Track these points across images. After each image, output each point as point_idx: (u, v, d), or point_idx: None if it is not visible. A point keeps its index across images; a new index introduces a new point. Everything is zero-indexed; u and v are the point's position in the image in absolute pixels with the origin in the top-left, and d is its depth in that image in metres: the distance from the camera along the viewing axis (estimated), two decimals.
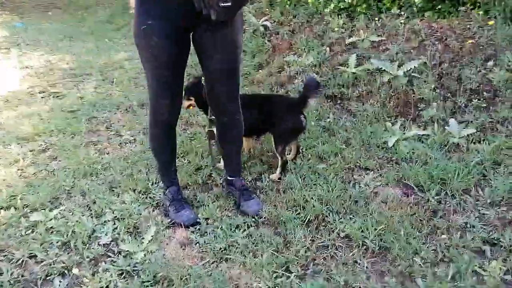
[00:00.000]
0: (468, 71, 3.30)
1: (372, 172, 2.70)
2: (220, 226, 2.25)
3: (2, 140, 3.47)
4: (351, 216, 2.28)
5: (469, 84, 3.24)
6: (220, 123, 2.38)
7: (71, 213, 2.45)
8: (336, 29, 4.59)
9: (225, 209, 2.41)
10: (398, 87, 3.53)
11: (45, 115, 4.03)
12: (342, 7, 4.78)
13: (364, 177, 2.65)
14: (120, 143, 3.40)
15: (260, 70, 4.78)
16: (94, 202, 2.56)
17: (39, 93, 4.76)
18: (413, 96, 3.43)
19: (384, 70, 3.71)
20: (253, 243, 2.11)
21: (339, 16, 4.73)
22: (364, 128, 3.25)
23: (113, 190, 2.69)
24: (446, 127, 2.95)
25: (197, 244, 2.16)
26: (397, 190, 2.51)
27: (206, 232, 2.23)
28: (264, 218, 2.30)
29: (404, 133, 3.05)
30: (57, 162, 3.12)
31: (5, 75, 5.31)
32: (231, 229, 2.22)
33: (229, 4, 1.73)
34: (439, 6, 4.17)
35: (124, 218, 2.38)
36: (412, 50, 3.82)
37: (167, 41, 1.95)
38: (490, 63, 3.28)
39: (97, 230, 2.28)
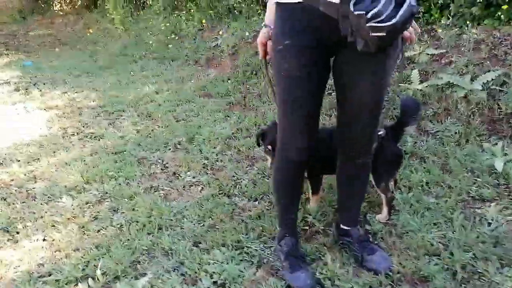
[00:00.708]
0: None
1: (494, 204, 2.36)
2: None
3: (51, 192, 3.13)
4: (502, 263, 1.93)
5: None
6: (345, 169, 2.02)
7: (160, 280, 2.09)
8: None
9: (345, 264, 2.06)
10: (479, 102, 3.23)
11: (88, 159, 3.70)
12: None
13: (487, 210, 2.31)
14: (184, 187, 3.06)
15: None
16: (182, 263, 2.21)
17: (73, 135, 4.45)
18: (500, 111, 3.13)
19: (456, 84, 3.44)
20: None
21: None
22: (454, 150, 2.94)
23: (198, 246, 2.34)
24: None
25: None
26: None
27: None
28: (399, 274, 1.94)
29: (506, 154, 2.73)
30: (120, 215, 2.78)
31: (32, 117, 5.00)
32: None
33: (383, 34, 1.38)
34: (499, 13, 3.93)
35: (226, 283, 2.02)
36: (482, 61, 3.55)
37: (305, 64, 1.67)
38: None
39: None
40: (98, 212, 2.84)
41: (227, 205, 2.69)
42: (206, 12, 7.18)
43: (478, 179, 2.59)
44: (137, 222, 2.64)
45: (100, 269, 2.16)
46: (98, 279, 2.13)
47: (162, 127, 4.32)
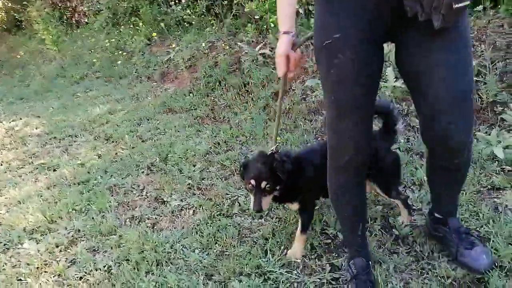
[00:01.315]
0: None
1: (509, 191, 2.31)
2: None
3: (7, 238, 2.59)
4: None
5: None
6: (442, 166, 1.69)
7: None
8: None
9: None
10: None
11: (46, 194, 3.17)
12: None
13: (506, 199, 2.24)
14: (172, 212, 2.68)
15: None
16: None
17: (20, 168, 3.84)
18: (481, 101, 3.17)
19: None
20: None
21: None
22: None
23: (211, 279, 2.00)
24: None
25: None
26: None
27: None
28: (450, 278, 1.76)
29: (499, 141, 2.73)
30: (103, 255, 2.34)
31: None
32: None
33: (467, 3, 1.21)
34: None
35: None
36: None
37: (356, 59, 1.43)
38: None
39: None
40: (74, 255, 2.37)
41: (231, 227, 2.38)
42: (154, 26, 6.79)
43: (484, 169, 2.55)
44: (127, 260, 2.23)
45: None
46: None
47: (127, 149, 3.87)
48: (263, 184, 1.85)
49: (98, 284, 2.07)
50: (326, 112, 1.61)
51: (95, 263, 2.25)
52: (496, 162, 2.59)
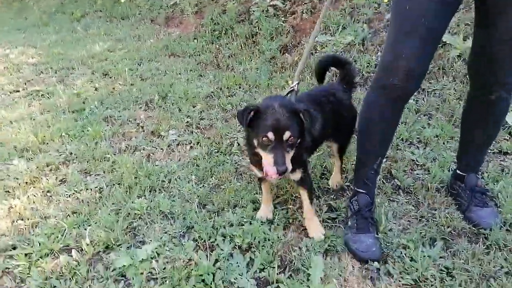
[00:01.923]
0: None
1: None
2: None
3: None
4: None
5: None
6: (480, 102, 1.70)
7: (167, 248, 1.68)
8: (364, 3, 4.13)
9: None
10: None
11: (40, 118, 3.06)
12: None
13: (511, 162, 2.20)
14: (169, 146, 2.60)
15: (285, 54, 4.17)
16: (191, 228, 1.81)
17: (14, 92, 3.71)
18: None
19: (449, 44, 3.34)
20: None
21: None
22: (457, 107, 2.82)
23: (205, 208, 1.95)
24: None
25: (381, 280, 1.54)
26: None
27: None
28: (449, 227, 1.73)
29: (510, 110, 2.67)
30: (95, 177, 2.27)
31: None
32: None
33: None
34: None
35: (251, 247, 1.68)
36: (473, 21, 3.48)
37: None
38: None
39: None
40: (65, 175, 2.30)
41: (228, 164, 2.31)
42: None
43: None
44: (119, 184, 2.16)
45: (80, 238, 1.70)
46: (84, 250, 1.66)
47: (125, 85, 3.74)
48: (286, 135, 1.41)
49: (87, 202, 2.00)
50: (390, 31, 1.51)
51: (86, 184, 2.18)
52: (506, 128, 2.53)
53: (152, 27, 5.70)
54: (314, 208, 1.77)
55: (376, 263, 1.56)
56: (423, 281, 1.47)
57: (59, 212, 1.93)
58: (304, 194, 1.72)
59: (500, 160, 2.25)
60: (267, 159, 1.42)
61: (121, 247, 1.70)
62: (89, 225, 1.81)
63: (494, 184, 1.98)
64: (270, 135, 1.41)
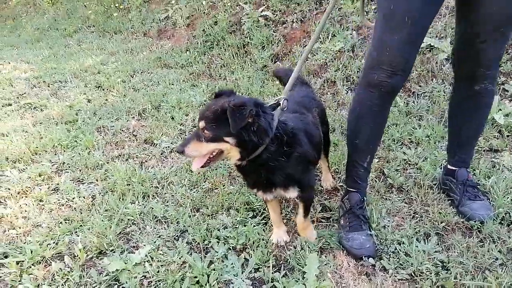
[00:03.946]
0: None
1: (507, 153, 2.28)
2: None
3: None
4: None
5: None
6: (463, 93, 1.73)
7: (161, 252, 1.67)
8: (352, 11, 4.21)
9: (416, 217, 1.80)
10: None
11: (32, 129, 3.05)
12: None
13: (502, 159, 2.21)
14: (162, 153, 2.60)
15: (277, 62, 4.22)
16: (185, 231, 1.80)
17: (6, 106, 3.70)
18: None
19: (437, 47, 3.40)
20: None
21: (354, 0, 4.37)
22: (447, 108, 2.85)
23: (199, 211, 1.94)
24: None
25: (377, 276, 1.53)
26: None
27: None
28: (443, 222, 1.73)
29: (500, 109, 2.70)
30: (88, 185, 2.26)
31: None
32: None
33: None
34: None
35: (246, 248, 1.67)
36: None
37: None
38: None
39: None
40: (58, 184, 2.28)
41: (221, 169, 2.31)
42: None
43: (483, 133, 2.51)
44: (112, 191, 2.15)
45: (73, 244, 1.68)
46: (77, 256, 1.64)
47: (118, 96, 3.75)
48: (201, 124, 1.34)
49: (80, 209, 1.99)
50: (377, 23, 1.53)
51: (78, 192, 2.17)
52: (496, 127, 2.56)
53: (144, 40, 5.74)
54: (308, 221, 1.67)
55: (371, 259, 1.55)
56: (418, 275, 1.47)
57: (51, 220, 1.91)
58: (300, 207, 1.62)
59: (491, 157, 2.27)
60: None
61: (114, 252, 1.69)
62: (82, 232, 1.80)
63: (486, 180, 2.00)
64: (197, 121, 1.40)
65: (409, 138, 2.54)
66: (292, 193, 1.50)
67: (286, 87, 1.58)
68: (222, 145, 1.34)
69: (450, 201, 1.87)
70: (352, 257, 1.59)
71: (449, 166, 1.92)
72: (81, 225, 1.84)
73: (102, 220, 1.85)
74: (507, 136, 2.48)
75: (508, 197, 1.81)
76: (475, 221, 1.70)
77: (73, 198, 2.11)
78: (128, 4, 6.74)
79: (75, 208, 2.01)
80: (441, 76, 3.26)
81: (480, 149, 2.34)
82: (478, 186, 1.86)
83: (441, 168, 2.13)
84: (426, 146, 2.41)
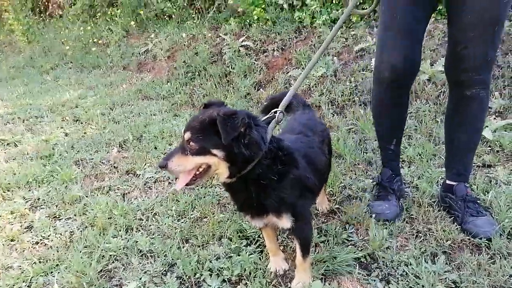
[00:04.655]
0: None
1: (500, 167, 2.24)
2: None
3: None
4: None
5: None
6: (455, 99, 1.74)
7: None
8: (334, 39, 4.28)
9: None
10: (444, 83, 3.25)
11: (4, 166, 2.86)
12: (333, 18, 4.52)
13: (497, 174, 2.17)
14: (145, 184, 2.46)
15: (260, 89, 4.19)
16: (174, 265, 1.64)
17: None
18: None
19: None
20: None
21: (332, 27, 4.46)
22: (434, 127, 2.84)
23: (188, 243, 1.79)
24: None
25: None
26: None
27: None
28: (448, 240, 1.64)
29: (487, 126, 2.71)
30: (65, 221, 2.08)
31: None
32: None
33: None
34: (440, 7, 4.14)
35: (242, 279, 1.52)
36: (436, 47, 3.64)
37: None
38: None
39: None
40: (32, 221, 2.10)
41: (210, 196, 2.18)
42: (132, 17, 6.59)
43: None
44: (92, 226, 1.98)
45: (56, 285, 1.49)
46: None
47: (97, 129, 3.61)
48: (186, 136, 1.23)
49: (56, 247, 1.81)
50: (379, 20, 1.70)
51: (55, 229, 1.99)
52: (486, 143, 2.55)
53: (124, 73, 5.66)
54: (308, 262, 1.45)
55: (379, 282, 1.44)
56: None
57: (23, 261, 1.72)
58: (297, 241, 1.43)
59: (486, 173, 2.22)
60: None
61: None
62: (58, 271, 1.62)
63: (485, 195, 1.94)
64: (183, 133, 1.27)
65: (401, 157, 2.48)
66: (286, 223, 1.35)
67: (283, 102, 1.49)
68: (209, 159, 1.21)
69: (452, 218, 1.79)
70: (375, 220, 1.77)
71: (447, 181, 1.87)
72: (57, 264, 1.67)
73: (81, 257, 1.68)
74: (497, 151, 2.46)
75: (511, 211, 1.75)
76: (480, 238, 1.62)
77: (49, 236, 1.93)
78: (106, 39, 6.70)
79: (51, 247, 1.83)
80: (425, 96, 3.28)
81: (473, 165, 2.31)
82: (478, 201, 1.80)
83: (437, 185, 2.07)
84: (419, 164, 2.35)
